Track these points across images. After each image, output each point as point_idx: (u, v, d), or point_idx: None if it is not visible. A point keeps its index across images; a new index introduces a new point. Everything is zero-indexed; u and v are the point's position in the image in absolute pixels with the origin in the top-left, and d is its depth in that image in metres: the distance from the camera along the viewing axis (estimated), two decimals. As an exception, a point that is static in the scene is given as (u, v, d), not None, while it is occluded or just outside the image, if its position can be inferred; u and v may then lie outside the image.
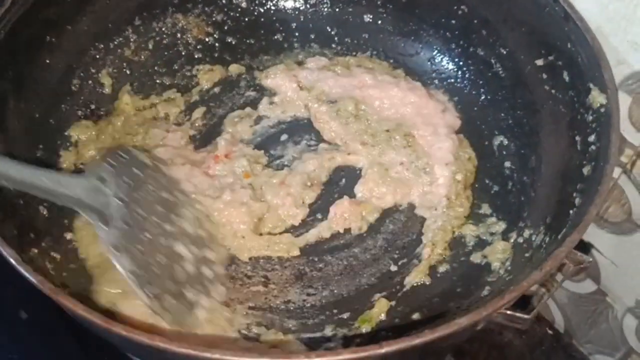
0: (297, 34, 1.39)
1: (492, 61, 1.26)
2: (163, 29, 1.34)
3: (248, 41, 1.38)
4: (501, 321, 0.85)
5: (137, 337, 0.73)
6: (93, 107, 1.23)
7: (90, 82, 1.24)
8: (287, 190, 1.16)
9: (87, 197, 0.93)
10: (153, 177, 1.05)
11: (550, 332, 1.45)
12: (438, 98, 1.30)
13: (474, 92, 1.30)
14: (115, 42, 1.28)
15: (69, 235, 1.07)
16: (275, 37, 1.39)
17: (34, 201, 1.04)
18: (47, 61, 1.15)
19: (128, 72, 1.30)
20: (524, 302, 1.01)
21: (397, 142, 1.23)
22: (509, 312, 0.84)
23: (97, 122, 1.21)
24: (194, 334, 0.94)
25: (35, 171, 0.90)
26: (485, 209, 1.18)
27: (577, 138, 1.04)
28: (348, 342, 1.01)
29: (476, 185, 1.21)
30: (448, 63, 1.34)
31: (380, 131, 1.24)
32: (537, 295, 1.17)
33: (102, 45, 1.26)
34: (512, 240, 1.10)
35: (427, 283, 1.09)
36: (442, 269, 1.11)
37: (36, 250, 0.98)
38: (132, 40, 1.30)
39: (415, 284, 1.09)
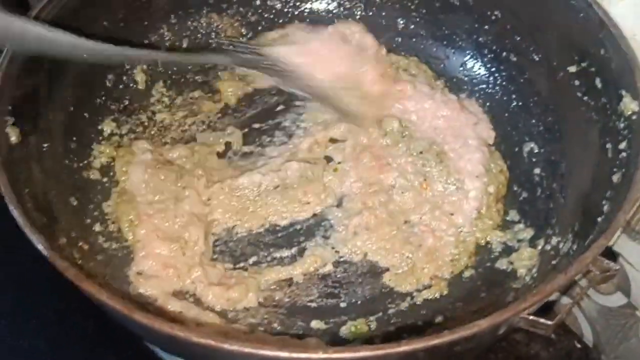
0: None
1: (525, 67, 1.25)
2: (198, 27, 1.35)
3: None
4: (523, 326, 0.84)
5: (156, 325, 0.74)
6: (126, 102, 1.26)
7: (124, 77, 1.27)
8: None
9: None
10: None
11: (578, 345, 1.42)
12: (472, 110, 1.28)
13: (505, 98, 1.29)
14: (151, 40, 1.30)
15: (97, 227, 1.09)
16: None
17: (65, 191, 1.07)
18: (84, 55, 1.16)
19: (161, 69, 1.31)
20: (549, 311, 1.01)
21: (429, 163, 1.21)
22: (531, 317, 0.82)
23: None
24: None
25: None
26: (513, 215, 1.17)
27: (608, 145, 1.03)
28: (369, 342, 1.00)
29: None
30: (480, 68, 1.33)
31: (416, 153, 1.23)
32: (562, 305, 1.16)
33: (136, 43, 1.28)
34: (539, 248, 1.09)
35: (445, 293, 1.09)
36: (466, 273, 1.10)
37: (65, 240, 0.99)
38: (166, 38, 1.32)
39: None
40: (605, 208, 0.95)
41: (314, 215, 1.18)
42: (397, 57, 1.36)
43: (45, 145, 1.05)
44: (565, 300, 1.47)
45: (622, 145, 0.99)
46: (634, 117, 0.99)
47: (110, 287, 0.96)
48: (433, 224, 1.14)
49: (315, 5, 1.40)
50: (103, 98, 1.22)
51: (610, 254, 1.19)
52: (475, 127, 1.25)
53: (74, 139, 1.14)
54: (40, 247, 0.83)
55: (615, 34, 1.05)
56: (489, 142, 1.24)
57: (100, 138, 1.20)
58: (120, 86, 1.26)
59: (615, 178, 0.97)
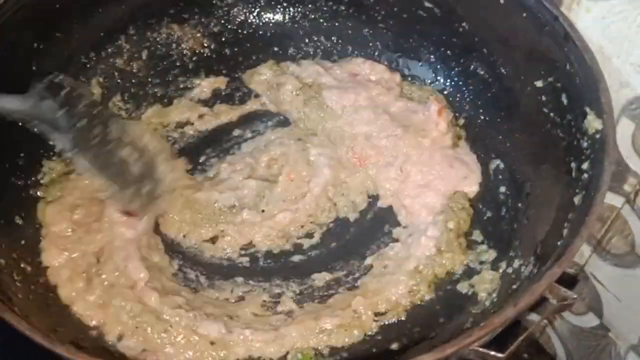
0: (293, 46, 1.36)
1: (492, 81, 1.21)
2: (157, 38, 1.31)
3: (245, 53, 1.35)
4: (474, 358, 0.80)
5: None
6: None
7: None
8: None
9: (34, 110, 1.02)
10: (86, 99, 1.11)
11: (551, 365, 1.40)
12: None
13: (472, 113, 1.25)
14: (108, 51, 1.26)
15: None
16: (274, 49, 1.36)
17: (9, 210, 1.03)
18: (34, 68, 1.13)
19: (119, 81, 1.27)
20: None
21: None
22: (481, 349, 0.78)
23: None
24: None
25: None
26: (477, 235, 1.13)
27: (573, 165, 0.99)
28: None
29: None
30: (448, 82, 1.29)
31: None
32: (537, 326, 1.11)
33: (93, 54, 1.24)
34: (501, 270, 1.05)
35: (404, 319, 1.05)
36: (426, 297, 1.06)
37: (4, 262, 0.96)
38: (125, 49, 1.28)
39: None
40: (565, 232, 0.91)
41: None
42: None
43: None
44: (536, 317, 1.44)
45: (585, 166, 0.95)
46: (597, 136, 0.95)
47: (41, 315, 0.91)
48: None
49: (277, 17, 1.36)
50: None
51: (567, 276, 1.14)
52: (461, 181, 1.18)
53: (22, 155, 1.10)
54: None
55: (580, 47, 1.01)
56: (468, 197, 1.17)
57: (51, 154, 1.15)
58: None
59: (577, 200, 0.93)
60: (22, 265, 0.99)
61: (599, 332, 1.29)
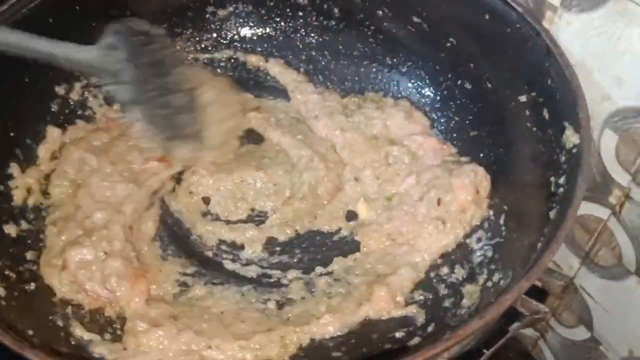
0: (285, 60, 1.38)
1: (479, 95, 1.22)
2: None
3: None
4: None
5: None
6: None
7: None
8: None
9: (101, 61, 1.04)
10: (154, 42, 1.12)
11: (543, 378, 1.39)
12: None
13: (460, 128, 1.25)
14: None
15: (29, 255, 1.07)
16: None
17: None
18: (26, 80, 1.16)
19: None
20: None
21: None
22: (448, 364, 0.78)
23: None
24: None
25: (51, 42, 1.00)
26: (458, 248, 1.12)
27: (552, 179, 0.99)
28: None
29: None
30: (436, 96, 1.30)
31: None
32: (530, 338, 1.11)
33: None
34: (480, 283, 1.05)
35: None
36: (410, 310, 1.06)
37: (-12, 270, 0.97)
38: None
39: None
40: (539, 246, 0.91)
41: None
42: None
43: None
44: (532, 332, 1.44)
45: (562, 180, 0.96)
46: (574, 151, 0.95)
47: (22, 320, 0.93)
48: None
49: (268, 30, 1.38)
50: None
51: (538, 290, 1.14)
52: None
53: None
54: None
55: (561, 62, 1.01)
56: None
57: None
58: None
59: (552, 214, 0.93)
60: (6, 273, 1.00)
61: (590, 345, 1.29)
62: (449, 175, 1.15)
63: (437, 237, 1.12)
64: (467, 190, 1.12)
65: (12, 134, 1.14)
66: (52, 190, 1.14)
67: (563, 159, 0.97)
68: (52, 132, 1.20)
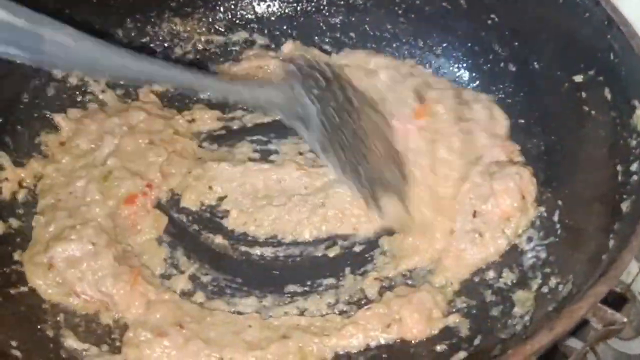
0: (305, 43, 1.24)
1: (525, 78, 1.10)
2: (158, 32, 1.22)
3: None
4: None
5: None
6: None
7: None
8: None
9: (286, 105, 0.97)
10: (335, 83, 1.03)
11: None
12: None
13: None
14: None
15: (17, 255, 0.94)
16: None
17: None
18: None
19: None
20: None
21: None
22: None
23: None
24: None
25: (235, 86, 0.98)
26: (506, 250, 0.99)
27: (619, 167, 0.86)
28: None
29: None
30: (475, 81, 1.17)
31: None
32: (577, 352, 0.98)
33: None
34: (534, 289, 0.91)
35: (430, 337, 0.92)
36: (452, 319, 0.93)
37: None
38: (123, 43, 1.18)
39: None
40: (611, 243, 0.77)
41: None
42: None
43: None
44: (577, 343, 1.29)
45: (634, 167, 0.83)
46: (648, 133, 0.82)
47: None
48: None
49: (288, 11, 1.26)
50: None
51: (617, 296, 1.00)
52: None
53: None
54: None
55: (625, 33, 0.89)
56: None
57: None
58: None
59: (625, 206, 0.80)
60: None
61: (648, 362, 1.14)
62: (490, 178, 1.00)
63: (473, 251, 0.98)
64: (511, 195, 0.98)
65: (1, 120, 1.01)
66: (46, 171, 1.02)
67: (634, 142, 0.84)
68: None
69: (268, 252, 1.02)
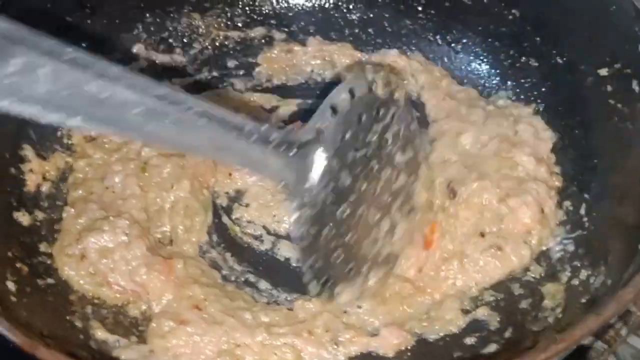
0: (324, 38, 1.23)
1: (548, 73, 1.09)
2: (177, 28, 1.21)
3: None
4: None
5: None
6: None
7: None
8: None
9: (285, 173, 0.73)
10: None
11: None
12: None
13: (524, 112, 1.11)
14: (123, 40, 1.16)
15: (42, 246, 0.93)
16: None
17: (6, 204, 0.92)
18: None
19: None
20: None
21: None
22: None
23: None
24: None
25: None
26: (533, 242, 0.98)
27: (648, 159, 0.86)
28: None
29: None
30: (496, 77, 1.16)
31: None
32: (595, 351, 0.98)
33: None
34: (564, 282, 0.91)
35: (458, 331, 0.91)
36: (480, 312, 0.92)
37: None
38: (142, 39, 1.18)
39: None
40: (648, 233, 0.77)
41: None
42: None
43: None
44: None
45: (664, 157, 0.82)
46: (679, 123, 0.82)
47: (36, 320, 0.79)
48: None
49: (307, 5, 1.25)
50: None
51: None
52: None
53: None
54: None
55: (655, 24, 0.89)
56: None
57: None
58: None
59: (657, 197, 0.80)
60: (17, 265, 0.87)
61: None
62: (506, 197, 0.97)
63: (493, 266, 0.95)
64: (531, 209, 0.96)
65: (24, 112, 1.00)
66: (77, 166, 1.01)
67: (666, 134, 0.84)
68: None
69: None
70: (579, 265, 0.91)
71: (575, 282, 0.90)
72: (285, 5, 1.25)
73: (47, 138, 1.03)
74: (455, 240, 0.96)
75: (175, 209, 0.97)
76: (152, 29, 1.19)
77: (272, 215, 1.03)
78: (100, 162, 1.01)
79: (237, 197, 1.05)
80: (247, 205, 1.04)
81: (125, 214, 0.93)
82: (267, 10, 1.25)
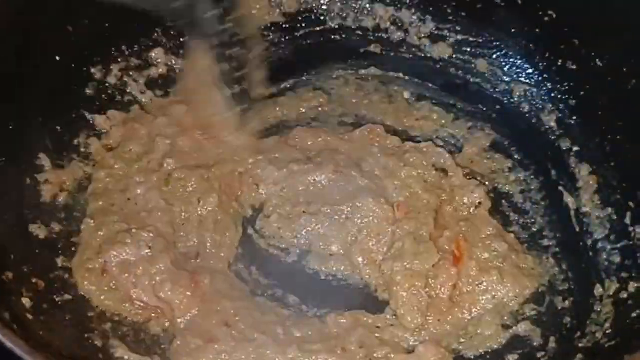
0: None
1: (586, 77, 1.05)
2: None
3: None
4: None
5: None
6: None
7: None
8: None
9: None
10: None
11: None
12: None
13: (561, 116, 1.08)
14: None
15: (60, 261, 0.89)
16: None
17: (22, 216, 0.88)
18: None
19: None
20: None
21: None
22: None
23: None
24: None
25: None
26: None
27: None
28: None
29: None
30: (530, 80, 1.12)
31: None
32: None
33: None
34: (611, 295, 0.87)
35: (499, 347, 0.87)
36: (522, 328, 0.87)
37: (11, 275, 0.79)
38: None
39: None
40: None
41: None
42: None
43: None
44: None
45: None
46: None
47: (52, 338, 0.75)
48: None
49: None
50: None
51: None
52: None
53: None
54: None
55: None
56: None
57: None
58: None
59: None
60: (33, 281, 0.82)
61: None
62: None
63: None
64: None
65: (40, 119, 0.96)
66: (97, 176, 0.97)
67: None
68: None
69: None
70: (626, 277, 0.87)
71: (624, 295, 0.85)
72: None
73: (64, 147, 0.99)
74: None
75: (205, 223, 0.93)
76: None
77: (291, 227, 0.99)
78: (121, 172, 0.97)
79: (260, 208, 1.01)
80: (268, 217, 0.99)
81: (150, 227, 0.89)
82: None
